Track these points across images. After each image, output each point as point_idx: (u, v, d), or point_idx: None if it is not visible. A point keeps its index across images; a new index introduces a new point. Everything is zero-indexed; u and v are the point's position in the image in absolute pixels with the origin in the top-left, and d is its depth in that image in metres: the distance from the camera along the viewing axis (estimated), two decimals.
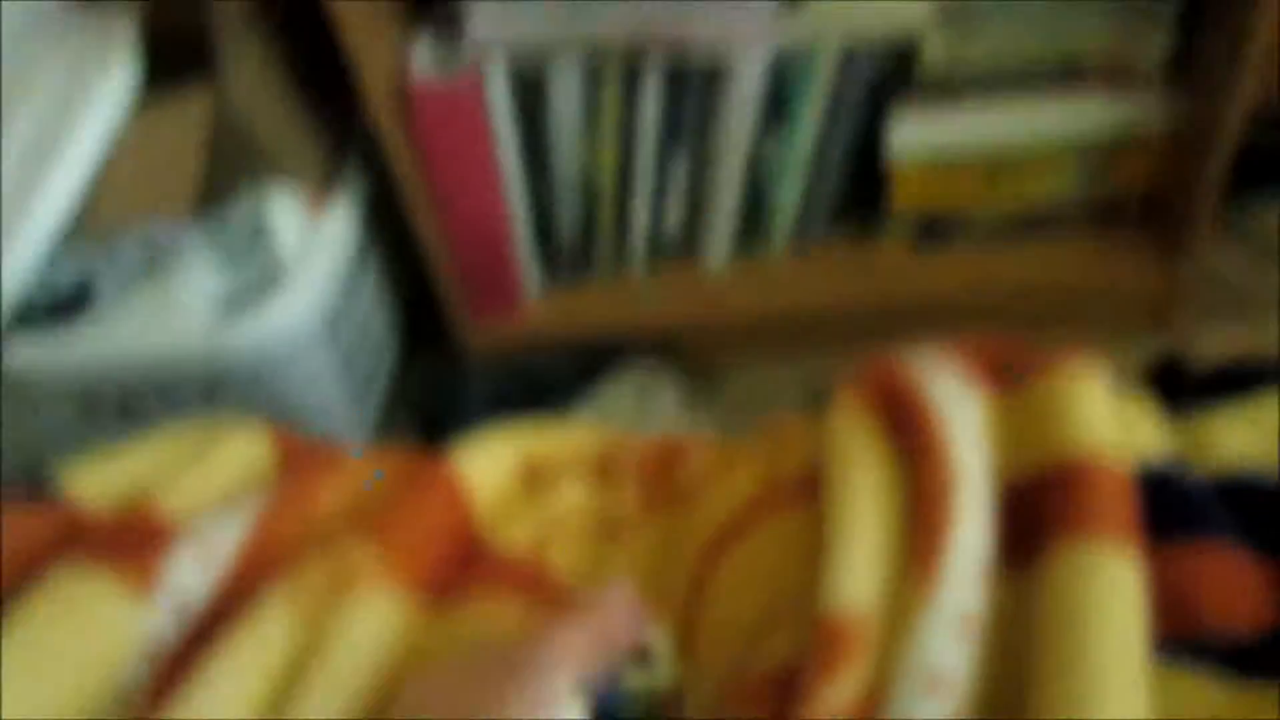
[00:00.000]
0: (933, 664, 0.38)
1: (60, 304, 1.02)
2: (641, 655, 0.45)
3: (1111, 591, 0.37)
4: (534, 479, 0.59)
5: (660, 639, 0.46)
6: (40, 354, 0.96)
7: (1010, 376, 0.49)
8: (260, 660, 0.45)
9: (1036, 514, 0.42)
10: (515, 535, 0.54)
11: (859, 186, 1.17)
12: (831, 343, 1.15)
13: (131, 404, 1.01)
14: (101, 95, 0.99)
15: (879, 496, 0.44)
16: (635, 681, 0.45)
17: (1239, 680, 0.38)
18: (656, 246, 1.21)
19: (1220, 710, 0.37)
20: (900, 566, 0.42)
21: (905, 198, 1.15)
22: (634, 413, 1.11)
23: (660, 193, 1.14)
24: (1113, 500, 0.40)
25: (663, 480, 0.57)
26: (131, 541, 0.50)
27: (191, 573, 0.49)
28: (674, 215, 1.17)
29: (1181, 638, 0.38)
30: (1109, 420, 0.44)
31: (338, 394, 1.09)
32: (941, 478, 0.42)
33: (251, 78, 1.02)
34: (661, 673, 0.45)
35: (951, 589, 0.39)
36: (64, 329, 0.99)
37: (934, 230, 1.18)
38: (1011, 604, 0.40)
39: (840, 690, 0.38)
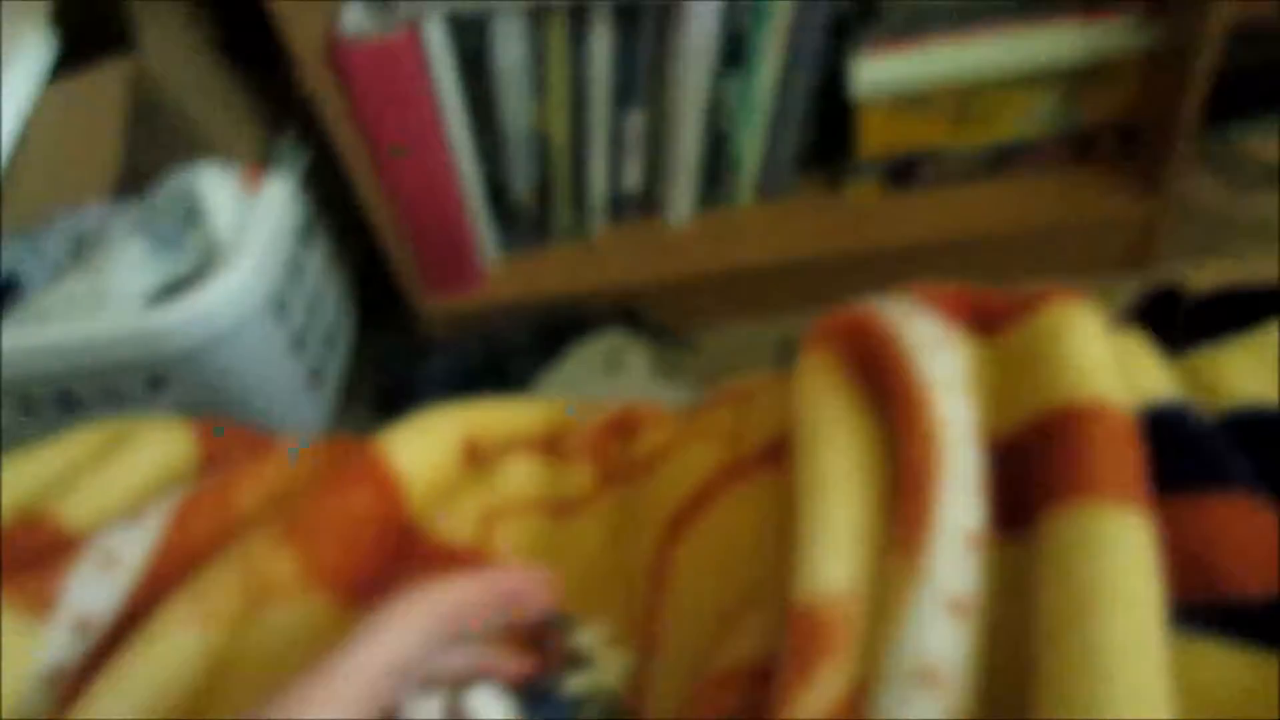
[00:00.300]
0: (923, 654, 0.33)
1: None
2: (573, 658, 0.41)
3: (1121, 560, 0.33)
4: (476, 460, 0.54)
5: (593, 634, 0.43)
6: None
7: (992, 321, 0.45)
8: (159, 679, 0.40)
9: (1031, 472, 0.37)
10: (457, 521, 0.49)
11: (824, 131, 1.13)
12: (805, 295, 1.11)
13: (72, 397, 0.96)
14: (13, 74, 0.93)
15: (854, 464, 0.40)
16: (576, 686, 0.41)
17: (1258, 647, 0.33)
18: (616, 205, 1.16)
19: (1237, 680, 0.33)
20: (882, 543, 0.37)
21: (872, 140, 1.10)
22: (603, 382, 1.07)
23: (617, 147, 1.09)
24: (1116, 453, 0.36)
25: (618, 454, 0.52)
26: (26, 559, 0.45)
27: (94, 587, 0.45)
28: (632, 171, 1.12)
29: (1194, 602, 0.34)
30: (1106, 360, 0.40)
31: (290, 376, 1.04)
32: (923, 439, 0.38)
33: (172, 50, 0.96)
34: (606, 669, 0.41)
35: (940, 567, 0.35)
36: None
37: (904, 172, 1.14)
38: (1009, 579, 0.36)
39: (822, 692, 0.34)
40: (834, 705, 0.33)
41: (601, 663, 0.42)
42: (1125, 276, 1.13)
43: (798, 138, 1.12)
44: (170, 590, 0.44)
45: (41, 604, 0.44)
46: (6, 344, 0.91)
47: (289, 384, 1.04)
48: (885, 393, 0.41)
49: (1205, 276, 0.58)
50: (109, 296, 0.93)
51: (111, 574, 0.46)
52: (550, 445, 0.54)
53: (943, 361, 0.41)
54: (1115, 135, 1.12)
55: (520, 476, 0.51)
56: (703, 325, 1.16)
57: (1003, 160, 1.13)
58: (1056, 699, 0.31)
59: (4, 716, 0.42)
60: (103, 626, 0.45)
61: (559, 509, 0.50)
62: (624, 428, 0.54)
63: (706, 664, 0.40)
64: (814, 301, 1.14)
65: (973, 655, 0.34)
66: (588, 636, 0.43)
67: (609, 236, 1.17)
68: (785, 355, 1.10)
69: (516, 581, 0.39)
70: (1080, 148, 1.13)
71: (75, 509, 0.49)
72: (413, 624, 0.35)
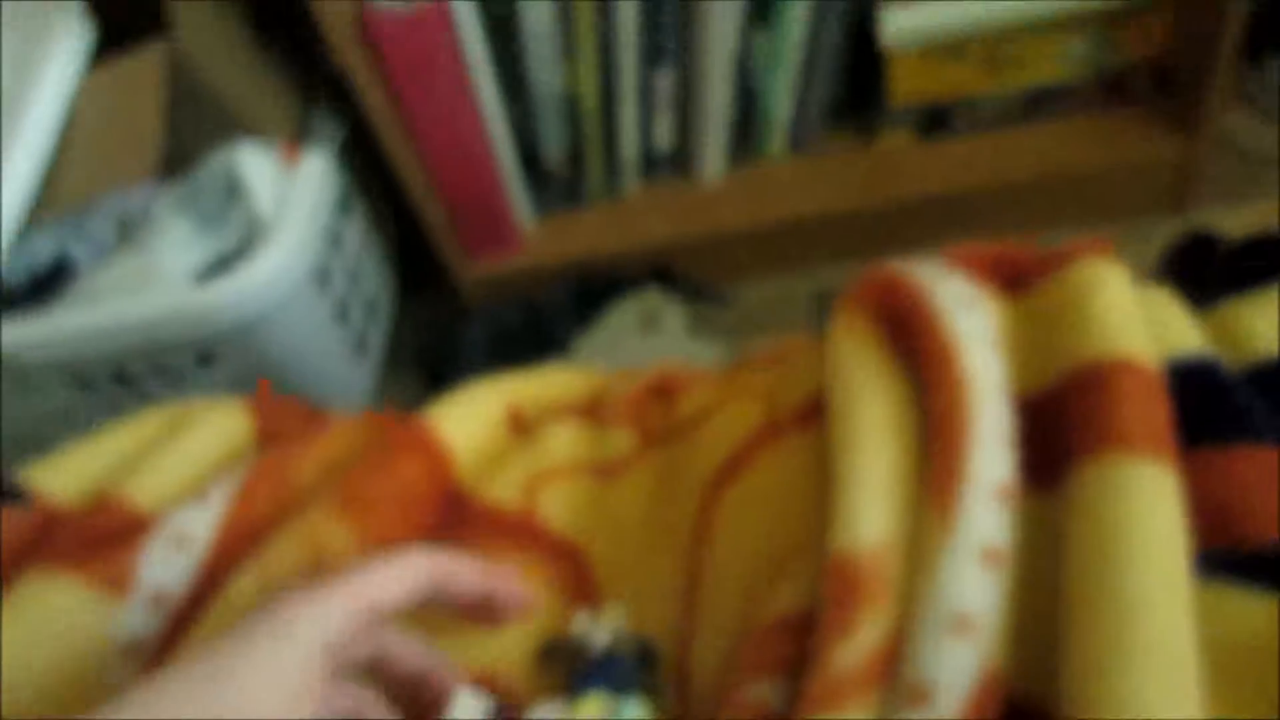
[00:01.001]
0: (958, 603, 0.34)
1: (40, 282, 1.00)
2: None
3: (1148, 510, 0.34)
4: (521, 428, 0.56)
5: (615, 615, 0.45)
6: (28, 334, 0.94)
7: (1022, 279, 0.45)
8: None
9: (1061, 428, 0.38)
10: (504, 489, 0.51)
11: (854, 82, 1.12)
12: (839, 248, 1.12)
13: (125, 374, 0.99)
14: (54, 62, 0.95)
15: (888, 421, 0.41)
16: (602, 640, 0.43)
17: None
18: (648, 165, 1.16)
19: (1263, 627, 0.34)
20: (916, 498, 0.38)
21: (903, 88, 1.09)
22: (640, 341, 1.08)
23: (647, 106, 1.09)
24: (1144, 406, 0.36)
25: (659, 416, 0.54)
26: (100, 540, 0.48)
27: (166, 564, 0.47)
28: (663, 130, 1.12)
29: (1221, 551, 0.35)
30: (1133, 315, 0.40)
31: (335, 347, 1.06)
32: (954, 395, 0.39)
33: (207, 32, 0.98)
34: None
35: (973, 519, 0.36)
36: (47, 306, 0.97)
37: (936, 120, 1.13)
38: (1039, 530, 0.37)
39: (860, 641, 0.35)
40: (872, 654, 0.35)
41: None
42: (1163, 220, 1.12)
43: (828, 89, 1.12)
44: (237, 564, 0.46)
45: (118, 582, 0.46)
46: (60, 325, 0.94)
47: (334, 353, 1.07)
48: (916, 351, 0.42)
49: (1243, 221, 0.58)
50: (156, 275, 0.95)
51: (182, 551, 0.48)
52: (592, 410, 0.55)
53: (973, 319, 0.42)
54: (1150, 76, 1.10)
55: (563, 441, 0.53)
56: (737, 281, 1.17)
57: (1036, 105, 1.12)
58: (1085, 644, 0.32)
59: (86, 691, 0.45)
60: (176, 601, 0.47)
61: (602, 471, 0.52)
62: (663, 391, 0.55)
63: (750, 619, 0.41)
64: (848, 254, 1.14)
65: (1005, 603, 0.35)
66: (611, 616, 0.45)
67: (642, 196, 1.18)
68: (821, 308, 1.11)
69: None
70: (1115, 90, 1.12)
71: (143, 490, 0.51)
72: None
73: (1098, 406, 0.37)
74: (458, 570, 0.39)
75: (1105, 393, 0.37)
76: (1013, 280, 0.46)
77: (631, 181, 1.16)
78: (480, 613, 0.42)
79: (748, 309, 1.14)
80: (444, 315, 1.19)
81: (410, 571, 0.37)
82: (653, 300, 1.10)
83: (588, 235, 1.16)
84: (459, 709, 0.40)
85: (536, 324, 1.11)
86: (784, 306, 1.13)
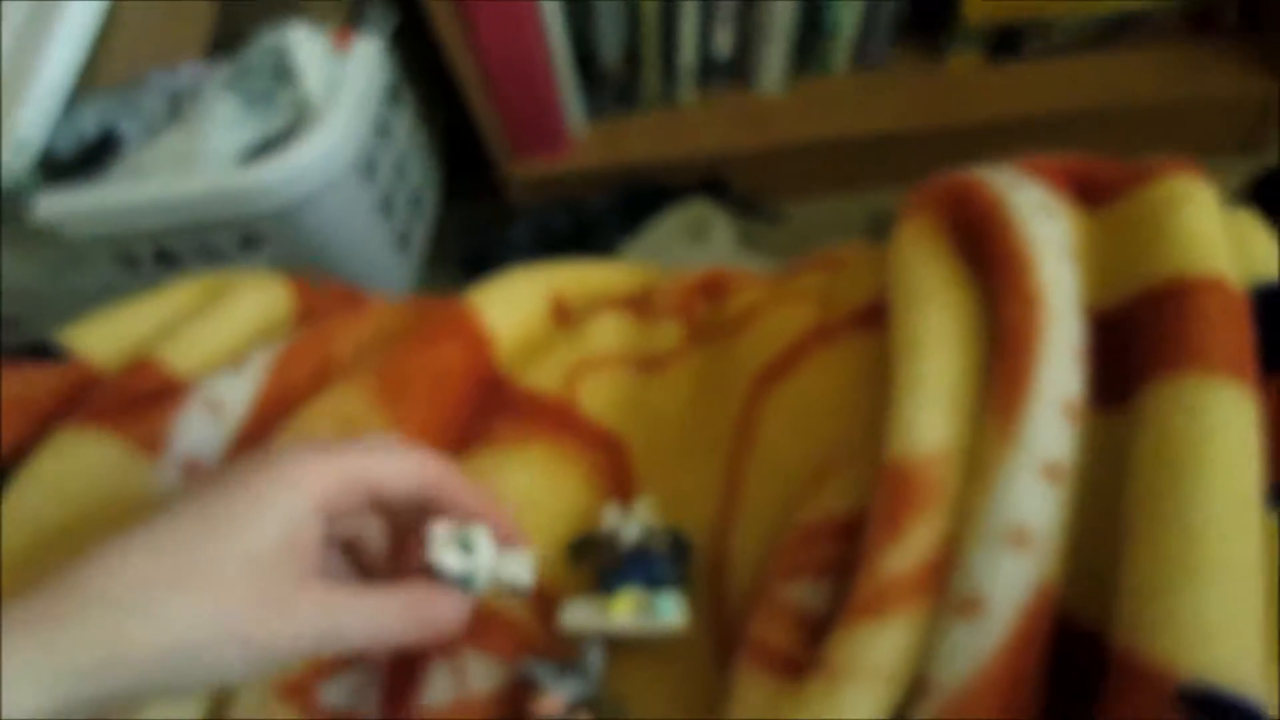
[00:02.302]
0: (1016, 515, 0.33)
1: (88, 154, 0.99)
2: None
3: (1224, 432, 0.32)
4: (564, 318, 0.54)
5: (646, 506, 0.44)
6: (73, 205, 0.94)
7: (1100, 193, 0.43)
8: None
9: (1134, 345, 0.36)
10: (544, 376, 0.50)
11: None
12: (897, 170, 1.08)
13: (169, 254, 0.99)
14: None
15: (953, 325, 0.39)
16: (629, 534, 0.42)
17: None
18: (706, 72, 1.13)
19: None
20: (979, 406, 0.37)
21: (977, 6, 1.05)
22: (687, 251, 1.06)
23: (708, 12, 1.05)
24: (1227, 327, 0.35)
25: (707, 313, 0.52)
26: (138, 400, 0.47)
27: (201, 430, 0.47)
28: (724, 37, 1.08)
29: None
30: (1220, 234, 0.38)
31: (378, 238, 1.05)
32: (1026, 303, 0.37)
33: None
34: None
35: (1037, 432, 0.34)
36: (94, 179, 0.96)
37: (1008, 42, 1.09)
38: (1103, 449, 0.35)
39: (911, 547, 0.34)
40: (923, 561, 0.34)
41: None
42: (1235, 160, 1.07)
43: (897, 4, 1.07)
44: (270, 435, 0.46)
45: (152, 444, 0.46)
46: (106, 199, 0.93)
47: (377, 245, 1.06)
48: (988, 258, 0.40)
49: None
50: (203, 154, 0.94)
51: (217, 419, 0.47)
52: (638, 304, 0.54)
53: (1049, 228, 0.40)
54: (1237, 6, 1.05)
55: (607, 332, 0.52)
56: (790, 198, 1.14)
57: (1114, 31, 1.07)
58: (1147, 563, 0.31)
59: None
60: (209, 467, 0.47)
61: (645, 364, 0.51)
62: (713, 288, 0.54)
63: (792, 518, 0.40)
64: (907, 177, 1.10)
65: (1064, 520, 0.34)
66: (643, 510, 0.44)
67: (698, 104, 1.15)
68: (875, 230, 1.08)
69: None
70: (1199, 21, 1.07)
71: (180, 355, 0.50)
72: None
73: (1178, 323, 0.35)
74: (463, 488, 0.37)
75: (1187, 310, 0.35)
76: (1091, 193, 0.43)
77: (688, 88, 1.13)
78: None
79: (799, 228, 1.12)
80: (488, 217, 1.17)
81: (418, 467, 0.35)
82: (702, 211, 1.08)
83: (640, 141, 1.13)
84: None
85: (582, 228, 1.09)
86: (837, 227, 1.11)
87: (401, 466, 0.35)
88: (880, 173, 1.10)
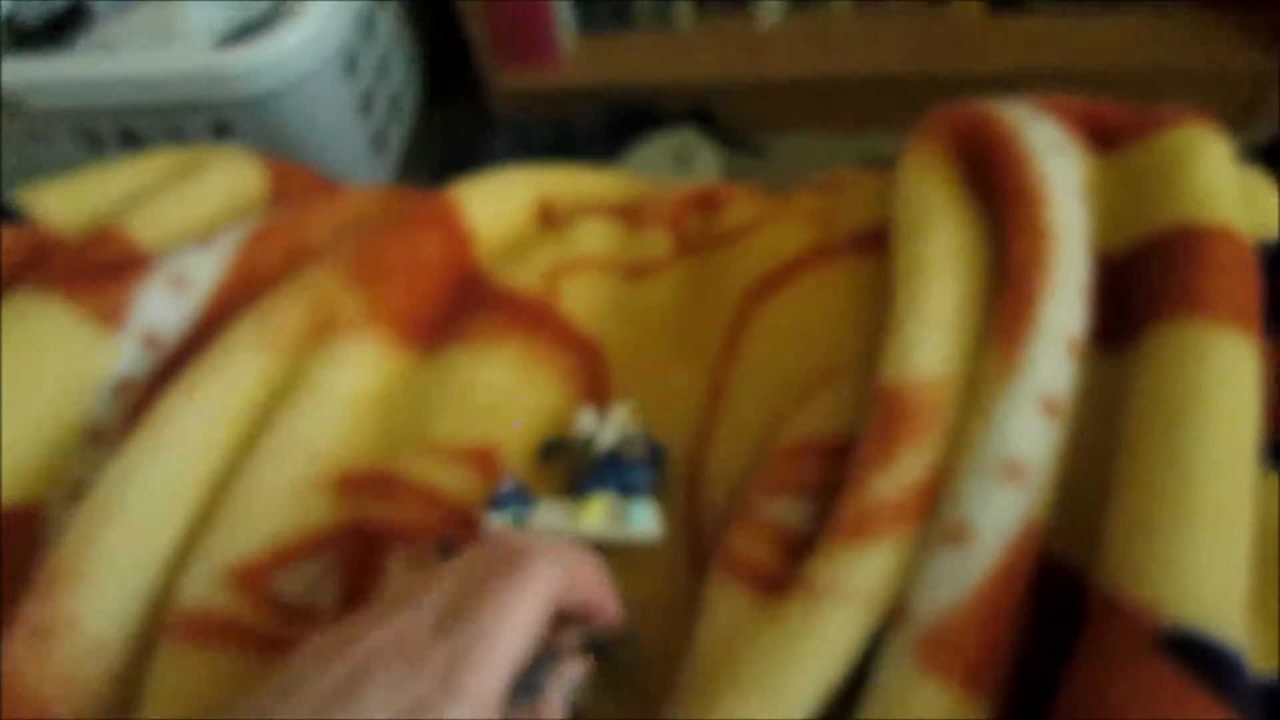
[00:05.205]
0: (1011, 447, 0.32)
1: (56, 22, 0.95)
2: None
3: (1225, 379, 0.31)
4: (550, 221, 0.52)
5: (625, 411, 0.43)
6: (36, 75, 0.90)
7: (1113, 136, 0.42)
8: (224, 396, 0.40)
9: (1140, 289, 0.35)
10: (525, 275, 0.48)
11: None
12: (890, 113, 1.06)
13: (134, 135, 0.95)
14: None
15: (958, 253, 0.38)
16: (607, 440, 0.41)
17: None
18: None
19: None
20: (979, 335, 0.36)
21: None
22: (670, 178, 1.04)
23: None
24: (1234, 276, 0.34)
25: (699, 225, 0.50)
26: (96, 270, 0.45)
27: (163, 304, 0.45)
28: None
29: None
30: (1233, 185, 0.37)
31: (355, 136, 1.02)
32: (1036, 238, 0.36)
33: None
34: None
35: (1038, 364, 0.33)
36: (61, 48, 0.92)
37: None
38: (1101, 391, 0.34)
39: (902, 472, 0.33)
40: (913, 486, 0.33)
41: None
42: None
43: None
44: (236, 313, 0.44)
45: (111, 315, 0.44)
46: (72, 71, 0.89)
47: (353, 144, 1.03)
48: (998, 190, 0.39)
49: None
50: (179, 33, 0.90)
51: (181, 294, 0.45)
52: (627, 213, 0.52)
53: (1062, 165, 0.39)
54: None
55: (593, 236, 0.50)
56: (780, 132, 1.12)
57: None
58: (1138, 504, 0.30)
59: (72, 421, 0.43)
60: (170, 344, 0.45)
61: (631, 271, 0.49)
62: (706, 202, 0.52)
63: (776, 432, 0.39)
64: (898, 120, 1.08)
65: (1058, 456, 0.33)
66: (619, 416, 0.43)
67: (693, 28, 1.12)
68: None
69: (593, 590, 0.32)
70: None
71: (145, 227, 0.48)
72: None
73: (1186, 269, 0.34)
74: (593, 587, 0.32)
75: (1196, 256, 0.34)
76: (1102, 137, 0.42)
77: (684, 11, 1.10)
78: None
79: (786, 164, 1.10)
80: (469, 125, 1.14)
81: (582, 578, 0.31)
82: (688, 139, 1.06)
83: (631, 62, 1.11)
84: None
85: (565, 145, 1.07)
86: (823, 165, 1.08)
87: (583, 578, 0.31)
88: (871, 115, 1.08)
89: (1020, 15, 1.08)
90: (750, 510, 0.36)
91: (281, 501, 0.39)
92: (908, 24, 1.08)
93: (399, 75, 1.12)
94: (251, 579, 0.38)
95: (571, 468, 0.42)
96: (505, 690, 0.27)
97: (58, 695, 0.35)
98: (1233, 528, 0.29)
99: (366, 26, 0.99)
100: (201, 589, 0.37)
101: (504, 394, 0.43)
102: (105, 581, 0.37)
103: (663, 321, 0.47)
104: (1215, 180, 0.37)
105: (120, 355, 0.43)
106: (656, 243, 0.49)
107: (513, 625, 0.27)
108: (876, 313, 0.38)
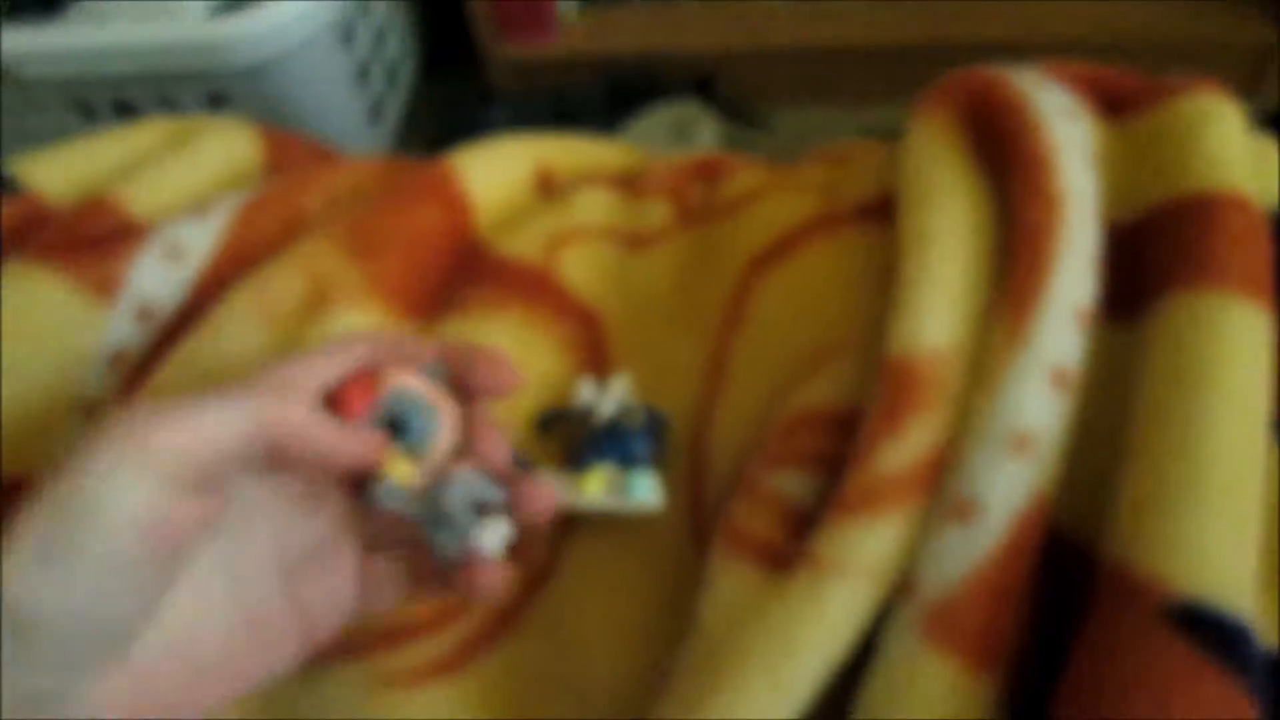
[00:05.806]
0: (1019, 420, 0.32)
1: None
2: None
3: (1237, 350, 0.31)
4: (550, 190, 0.52)
5: (622, 382, 0.42)
6: (30, 44, 0.88)
7: (1124, 104, 0.41)
8: (220, 370, 0.39)
9: (1151, 259, 0.35)
10: (524, 243, 0.47)
11: None
12: (893, 85, 1.05)
13: (128, 105, 0.94)
14: None
15: (966, 222, 0.37)
16: (608, 409, 0.40)
17: None
18: None
19: None
20: (987, 306, 0.35)
21: None
22: (668, 150, 1.03)
23: None
24: (1247, 244, 0.33)
25: (700, 195, 0.50)
26: (90, 241, 0.44)
27: (158, 275, 0.44)
28: None
29: None
30: (1246, 154, 0.37)
31: (351, 107, 1.01)
32: (1046, 207, 0.35)
33: None
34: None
35: (1048, 335, 0.33)
36: (55, 18, 0.91)
37: None
38: (1110, 363, 0.34)
39: (910, 444, 0.32)
40: (920, 459, 0.32)
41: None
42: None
43: None
44: (232, 284, 0.43)
45: (105, 286, 0.43)
46: (65, 41, 0.88)
47: (349, 115, 1.01)
48: (1008, 157, 0.38)
49: None
50: (172, 2, 0.89)
51: (176, 264, 0.45)
52: (628, 182, 0.51)
53: (1073, 132, 0.38)
54: None
55: (593, 205, 0.49)
56: (781, 105, 1.11)
57: None
58: (1148, 478, 0.30)
59: (65, 392, 0.42)
60: (164, 316, 0.44)
61: (631, 240, 0.48)
62: (708, 172, 0.51)
63: (780, 404, 0.39)
64: (901, 92, 1.07)
65: (1067, 428, 0.33)
66: (618, 386, 0.42)
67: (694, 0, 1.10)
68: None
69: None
70: None
71: (139, 197, 0.47)
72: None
73: (1199, 238, 0.33)
74: (408, 350, 0.32)
75: (1209, 224, 0.34)
76: (1113, 104, 0.42)
77: None
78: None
79: (787, 136, 1.09)
80: (467, 97, 1.13)
81: (344, 355, 0.31)
82: (689, 111, 1.04)
83: (631, 33, 1.09)
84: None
85: (563, 117, 1.06)
86: (825, 137, 1.07)
87: (329, 360, 0.30)
88: (873, 88, 1.07)
89: None
90: (754, 483, 0.36)
91: None
92: None
93: (396, 45, 1.10)
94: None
95: (571, 438, 0.41)
96: None
97: None
98: (1245, 502, 0.29)
99: None
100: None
101: None
102: None
103: (664, 291, 0.46)
104: (1228, 148, 0.36)
105: (114, 327, 0.43)
106: (657, 212, 0.49)
107: None
108: (882, 283, 0.37)
